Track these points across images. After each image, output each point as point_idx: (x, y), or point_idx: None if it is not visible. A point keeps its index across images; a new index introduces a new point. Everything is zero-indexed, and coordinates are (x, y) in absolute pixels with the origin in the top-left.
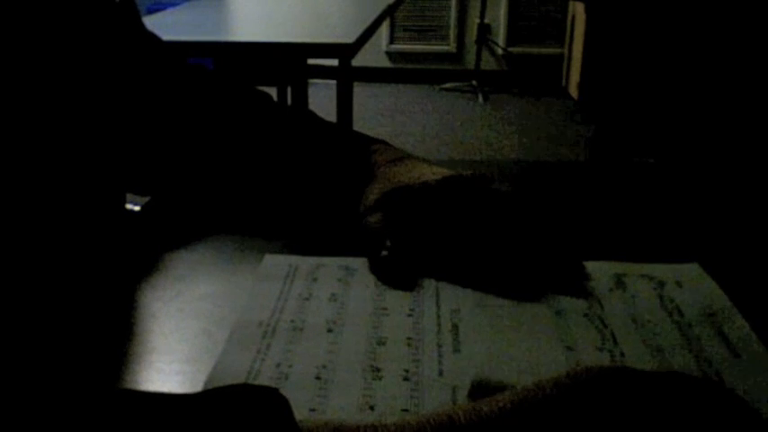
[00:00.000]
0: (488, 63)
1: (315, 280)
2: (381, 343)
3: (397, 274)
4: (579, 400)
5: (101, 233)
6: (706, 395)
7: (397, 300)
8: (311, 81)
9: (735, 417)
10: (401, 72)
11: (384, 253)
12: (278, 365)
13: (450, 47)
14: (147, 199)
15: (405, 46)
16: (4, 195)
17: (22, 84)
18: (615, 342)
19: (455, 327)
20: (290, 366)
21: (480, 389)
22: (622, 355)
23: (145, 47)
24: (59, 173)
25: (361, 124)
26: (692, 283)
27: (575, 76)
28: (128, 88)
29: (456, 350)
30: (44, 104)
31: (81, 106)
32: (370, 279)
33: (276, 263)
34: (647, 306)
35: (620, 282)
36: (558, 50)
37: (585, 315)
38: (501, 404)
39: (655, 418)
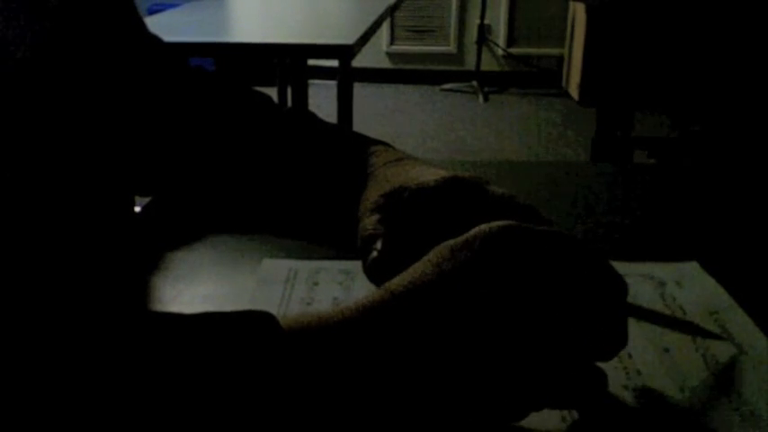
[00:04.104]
0: (488, 63)
1: (315, 284)
2: None
3: (388, 275)
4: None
5: (109, 235)
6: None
7: None
8: (311, 81)
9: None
10: (401, 73)
11: (374, 255)
12: None
13: (451, 47)
14: (147, 199)
15: (405, 47)
16: (7, 197)
17: (26, 86)
18: None
19: None
20: None
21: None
22: (629, 356)
23: (146, 48)
24: (64, 175)
25: (361, 125)
26: (692, 282)
27: (575, 77)
28: (129, 89)
29: None
30: (48, 106)
31: (84, 108)
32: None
33: (275, 267)
34: (649, 306)
35: None
36: (558, 51)
37: None
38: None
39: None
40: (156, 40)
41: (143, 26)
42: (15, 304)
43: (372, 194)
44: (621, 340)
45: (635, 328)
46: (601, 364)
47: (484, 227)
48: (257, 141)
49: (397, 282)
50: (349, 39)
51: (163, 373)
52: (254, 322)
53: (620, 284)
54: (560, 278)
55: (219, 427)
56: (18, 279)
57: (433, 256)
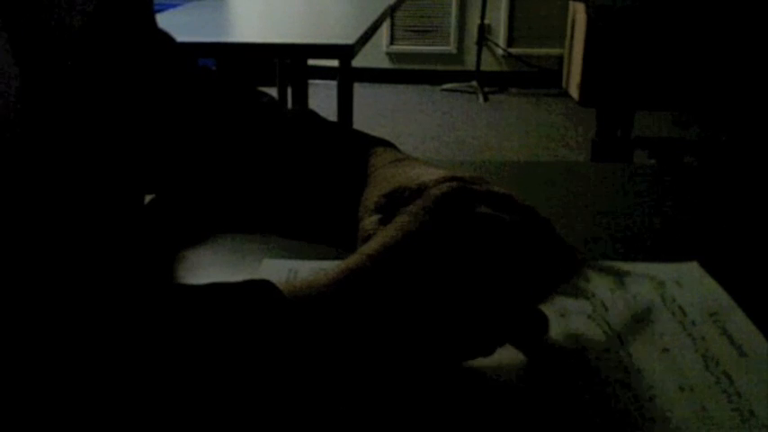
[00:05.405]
0: (489, 64)
1: None
2: None
3: None
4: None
5: (119, 232)
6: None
7: None
8: (311, 81)
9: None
10: (401, 73)
11: None
12: None
13: (451, 47)
14: (148, 198)
15: (405, 47)
16: (13, 195)
17: (40, 81)
18: (622, 343)
19: None
20: None
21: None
22: (630, 356)
23: (156, 44)
24: (76, 171)
25: (361, 125)
26: (692, 283)
27: (575, 77)
28: (138, 85)
29: None
30: (60, 101)
31: (94, 103)
32: None
33: (275, 267)
34: (649, 306)
35: (620, 282)
36: (558, 51)
37: (589, 317)
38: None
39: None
40: (165, 36)
41: (154, 22)
42: (23, 293)
43: (373, 195)
44: (553, 286)
45: (634, 328)
46: (599, 363)
47: (435, 189)
48: (259, 141)
49: (370, 246)
50: (349, 39)
51: (170, 338)
52: (257, 289)
53: (560, 242)
54: (502, 229)
55: (226, 387)
56: (26, 269)
57: (397, 220)
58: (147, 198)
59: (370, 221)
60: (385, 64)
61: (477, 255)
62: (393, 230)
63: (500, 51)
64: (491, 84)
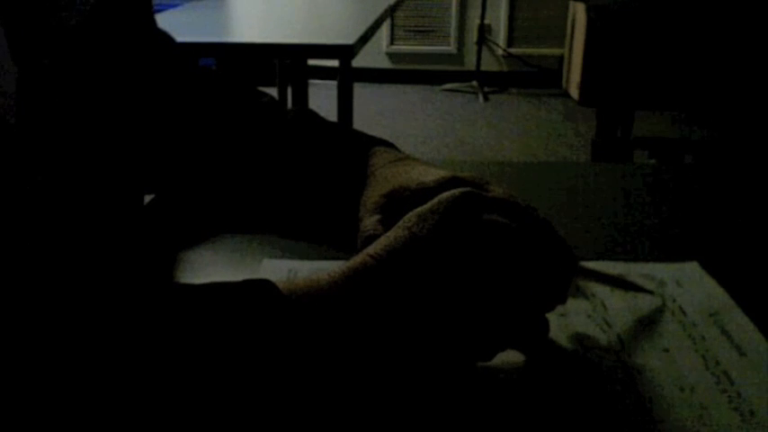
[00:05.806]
0: (489, 64)
1: None
2: None
3: None
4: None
5: (119, 232)
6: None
7: None
8: (311, 81)
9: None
10: (402, 73)
11: None
12: None
13: (451, 47)
14: (148, 198)
15: (405, 47)
16: (18, 195)
17: (38, 79)
18: (622, 343)
19: None
20: None
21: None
22: (629, 356)
23: (156, 44)
24: (75, 171)
25: (361, 125)
26: (692, 283)
27: (575, 77)
28: (137, 84)
29: None
30: (58, 100)
31: (93, 102)
32: None
33: (275, 267)
34: (649, 306)
35: (620, 282)
36: (558, 51)
37: (589, 316)
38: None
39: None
40: (165, 36)
41: (154, 22)
42: (23, 293)
43: (373, 195)
44: (562, 298)
45: (633, 328)
46: (599, 363)
47: (446, 194)
48: (260, 141)
49: (376, 247)
50: (349, 39)
51: (170, 338)
52: (256, 289)
53: (564, 248)
54: (511, 238)
55: (226, 387)
56: (26, 269)
57: (405, 222)
58: (147, 198)
59: (370, 221)
60: (385, 64)
61: (483, 262)
62: (399, 232)
63: (500, 51)
64: (491, 84)
